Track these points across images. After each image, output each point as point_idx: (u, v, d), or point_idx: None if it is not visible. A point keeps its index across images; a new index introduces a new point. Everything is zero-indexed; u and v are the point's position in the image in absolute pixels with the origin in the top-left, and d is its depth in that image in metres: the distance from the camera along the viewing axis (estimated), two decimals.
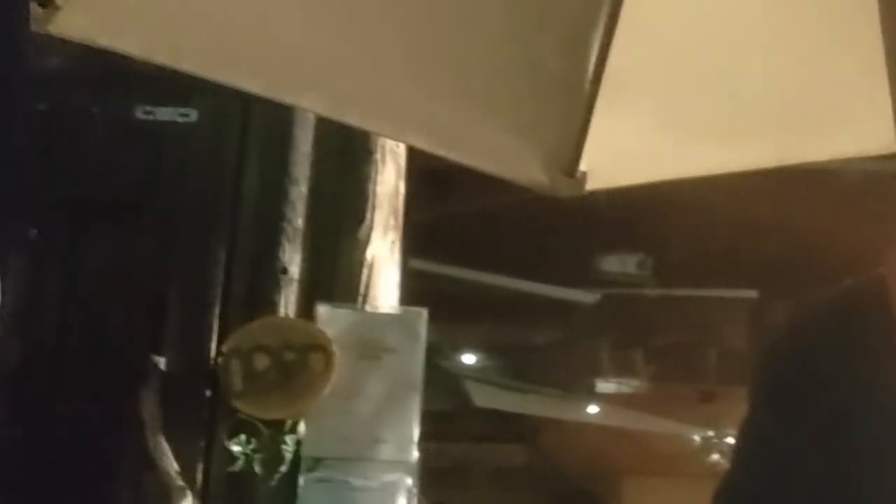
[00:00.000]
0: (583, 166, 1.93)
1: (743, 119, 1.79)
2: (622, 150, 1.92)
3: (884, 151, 1.76)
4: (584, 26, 1.79)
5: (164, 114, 2.72)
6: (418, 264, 4.20)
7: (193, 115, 2.72)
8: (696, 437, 6.62)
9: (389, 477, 2.39)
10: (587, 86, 1.84)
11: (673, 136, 1.86)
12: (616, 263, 4.97)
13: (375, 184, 2.63)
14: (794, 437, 1.18)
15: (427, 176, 2.98)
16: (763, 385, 1.25)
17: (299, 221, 2.59)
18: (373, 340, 2.46)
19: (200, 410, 2.49)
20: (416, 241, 3.12)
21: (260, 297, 2.55)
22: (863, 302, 1.24)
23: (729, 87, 1.77)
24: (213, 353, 2.52)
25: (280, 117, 2.63)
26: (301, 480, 2.40)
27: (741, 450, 1.26)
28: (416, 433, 2.43)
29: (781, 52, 1.71)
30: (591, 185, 1.95)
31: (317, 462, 2.41)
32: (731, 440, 6.57)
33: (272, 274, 2.55)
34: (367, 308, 2.52)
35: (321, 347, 2.42)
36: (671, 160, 1.89)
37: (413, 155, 2.71)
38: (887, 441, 1.13)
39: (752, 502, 1.20)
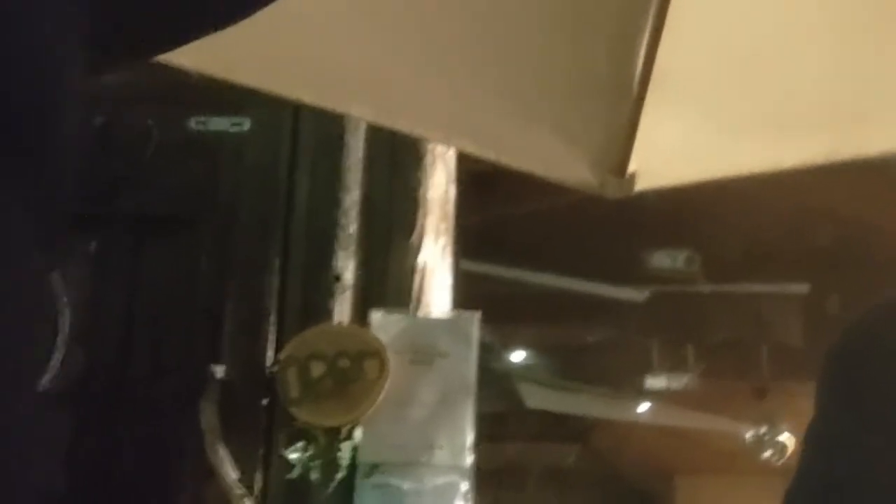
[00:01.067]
0: (632, 167, 1.93)
1: (793, 115, 1.78)
2: (671, 150, 1.91)
3: None
4: (630, 27, 1.79)
5: (217, 123, 2.75)
6: (468, 265, 4.21)
7: (246, 125, 2.75)
8: (749, 435, 6.56)
9: (445, 482, 2.40)
10: (635, 86, 1.84)
11: (722, 134, 1.86)
12: (665, 260, 4.94)
13: (426, 189, 2.64)
14: (871, 438, 1.17)
15: (476, 178, 2.99)
16: (835, 385, 1.23)
17: (352, 228, 2.61)
18: (426, 345, 2.47)
19: (258, 418, 2.52)
20: (466, 242, 3.13)
21: (314, 305, 2.57)
22: None
23: (778, 83, 1.77)
24: (269, 361, 2.54)
25: (331, 124, 2.66)
26: (357, 487, 2.42)
27: (812, 452, 1.24)
28: (470, 438, 2.43)
29: (831, 46, 1.70)
30: (641, 185, 1.95)
31: (373, 468, 2.42)
32: (784, 437, 6.50)
33: (326, 281, 2.57)
34: (420, 313, 2.54)
35: (375, 354, 2.44)
36: (721, 158, 1.89)
37: (462, 158, 2.72)
38: None
39: (819, 499, 1.19)
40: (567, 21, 1.82)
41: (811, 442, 1.23)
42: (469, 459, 2.42)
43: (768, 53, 1.74)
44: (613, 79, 1.85)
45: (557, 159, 1.92)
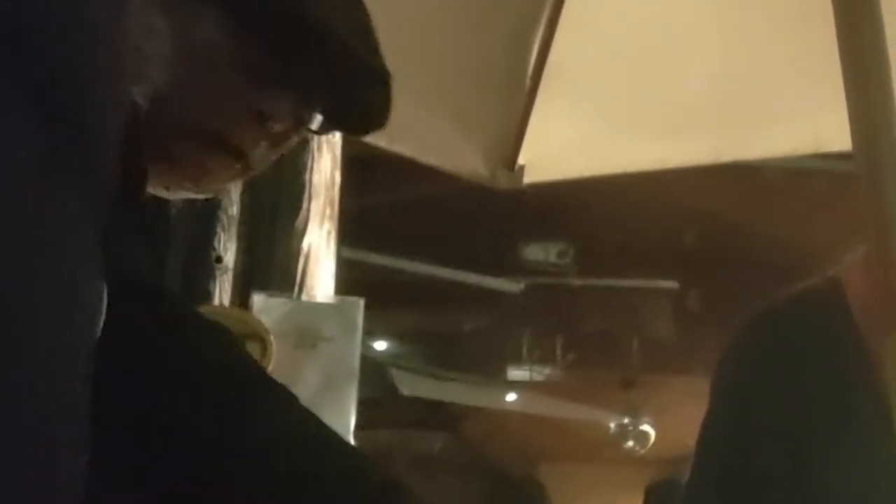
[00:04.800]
0: (522, 159, 1.96)
1: (680, 116, 1.84)
2: (562, 144, 1.95)
3: (813, 151, 1.83)
4: (525, 22, 1.82)
5: None
6: (346, 252, 4.19)
7: None
8: (613, 424, 6.75)
9: None
10: (528, 81, 1.87)
11: (612, 132, 1.90)
12: (539, 253, 5.03)
13: (312, 173, 2.62)
14: (751, 431, 1.23)
15: (353, 164, 2.98)
16: (722, 383, 1.30)
17: (234, 210, 2.57)
18: (309, 330, 2.45)
19: None
20: (344, 228, 3.11)
21: (194, 287, 2.51)
22: (820, 303, 1.29)
23: (667, 84, 1.82)
24: None
25: None
26: None
27: (702, 443, 1.31)
28: (352, 422, 2.43)
29: (719, 52, 1.75)
30: (530, 177, 1.98)
31: None
32: (646, 427, 6.72)
33: (206, 263, 2.52)
34: (304, 298, 2.51)
35: (257, 336, 2.40)
36: (609, 155, 1.93)
37: (346, 142, 2.70)
38: (843, 435, 1.19)
39: (715, 494, 1.25)
40: (464, 12, 1.83)
41: (704, 439, 1.30)
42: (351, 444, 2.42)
43: (659, 55, 1.79)
44: (508, 72, 1.87)
45: (450, 149, 1.93)
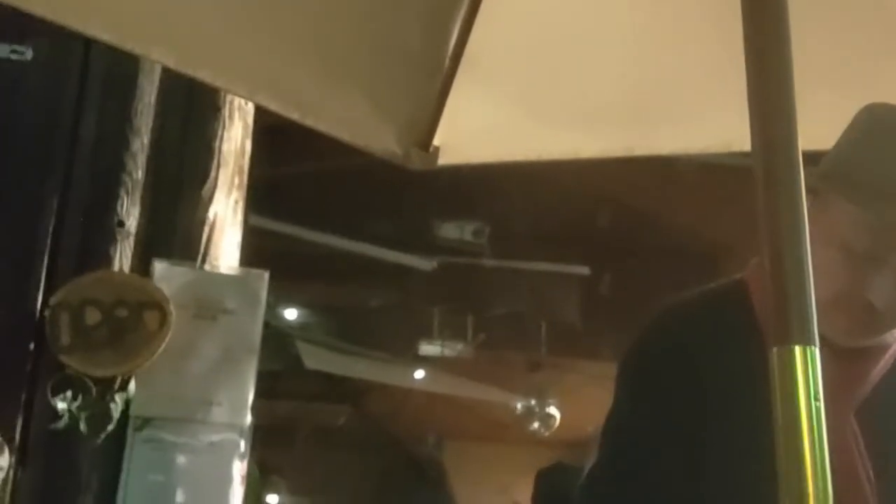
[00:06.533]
0: (437, 141, 1.95)
1: (596, 108, 1.84)
2: (477, 128, 1.94)
3: (722, 149, 1.85)
4: (447, 5, 1.80)
5: None
6: (255, 221, 4.13)
7: (28, 54, 2.57)
8: (519, 405, 6.81)
9: (221, 439, 2.36)
10: (446, 63, 1.85)
11: (528, 119, 1.90)
12: (454, 231, 5.03)
13: (222, 141, 2.56)
14: (654, 425, 1.26)
15: (267, 132, 2.92)
16: (629, 381, 1.32)
17: (139, 174, 2.50)
18: (211, 300, 2.40)
19: (23, 364, 2.38)
20: (255, 197, 3.06)
21: (93, 250, 2.44)
22: (725, 303, 1.32)
23: (585, 76, 1.81)
24: (39, 305, 2.41)
25: (124, 62, 2.52)
26: (128, 440, 2.34)
27: (610, 440, 1.33)
28: (250, 396, 2.40)
29: (635, 47, 1.76)
30: (444, 159, 1.97)
31: (146, 422, 2.35)
32: (552, 409, 6.79)
33: (108, 227, 2.45)
34: (207, 267, 2.47)
35: (157, 305, 2.36)
36: (524, 142, 1.93)
37: (258, 111, 2.65)
38: (737, 431, 1.22)
39: (619, 482, 1.27)
40: None
41: (609, 430, 1.33)
42: (248, 418, 2.39)
43: (576, 47, 1.78)
44: (426, 52, 1.84)
45: (364, 126, 1.90)
